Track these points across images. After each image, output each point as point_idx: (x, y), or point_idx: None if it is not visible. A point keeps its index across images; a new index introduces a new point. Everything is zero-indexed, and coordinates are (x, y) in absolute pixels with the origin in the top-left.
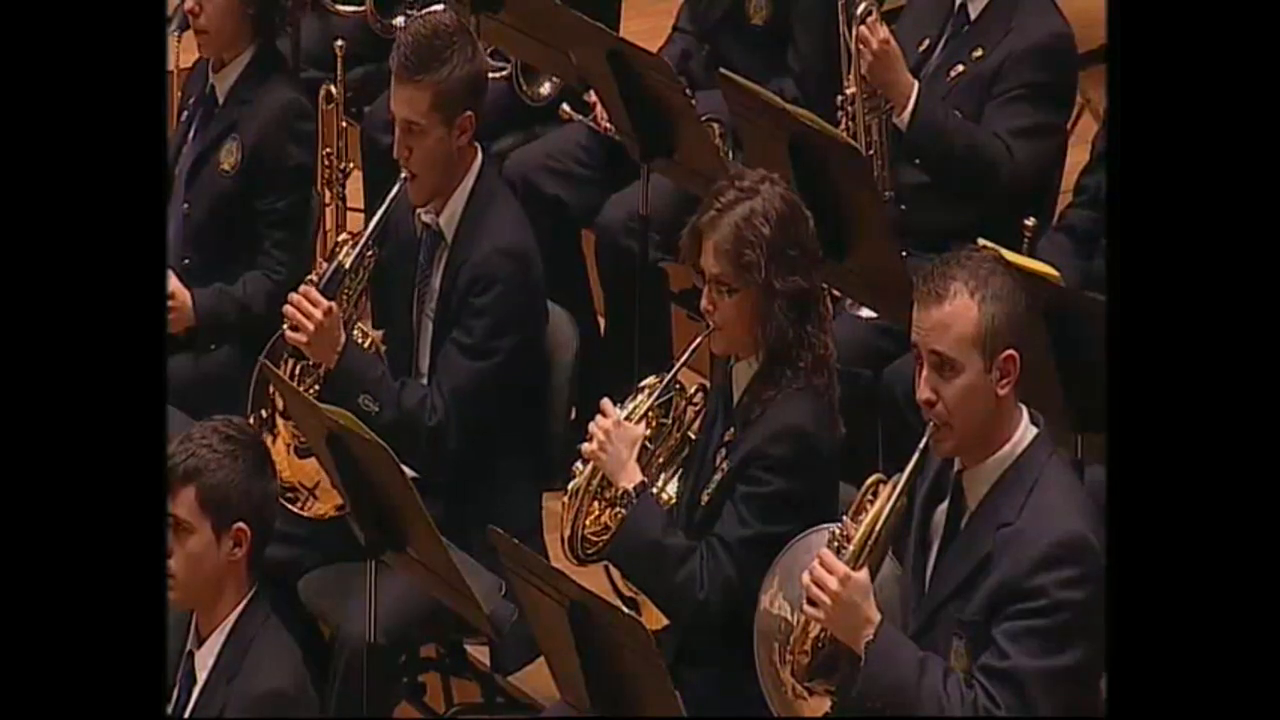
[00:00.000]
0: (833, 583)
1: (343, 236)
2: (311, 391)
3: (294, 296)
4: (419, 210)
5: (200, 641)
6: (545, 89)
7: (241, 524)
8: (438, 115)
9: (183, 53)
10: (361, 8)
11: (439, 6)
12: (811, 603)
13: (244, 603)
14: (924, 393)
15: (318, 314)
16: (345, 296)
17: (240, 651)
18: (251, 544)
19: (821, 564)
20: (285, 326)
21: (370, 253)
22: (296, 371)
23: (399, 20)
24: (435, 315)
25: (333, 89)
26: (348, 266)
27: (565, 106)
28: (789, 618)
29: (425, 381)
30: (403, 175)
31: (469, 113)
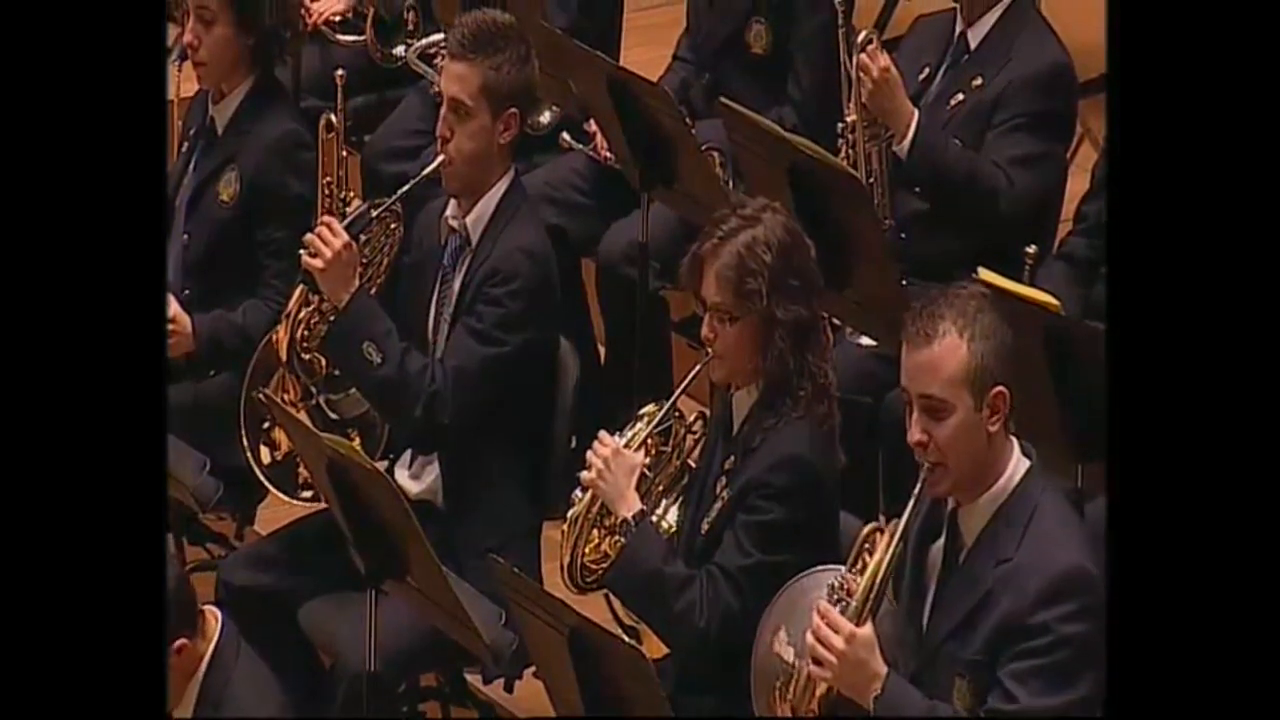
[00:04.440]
0: (838, 642)
1: (369, 202)
2: (318, 330)
3: (318, 226)
4: (446, 215)
5: (177, 700)
6: (546, 118)
7: None
8: (485, 100)
9: (183, 82)
10: (362, 37)
11: (439, 35)
12: (817, 662)
13: (214, 642)
14: (915, 435)
15: (336, 243)
16: (366, 251)
17: (215, 695)
18: None
19: (825, 622)
20: (302, 253)
21: (395, 227)
22: (306, 315)
23: (399, 50)
24: (452, 314)
25: (333, 118)
26: (373, 217)
27: (565, 135)
28: (789, 659)
29: None
30: (439, 158)
31: (515, 111)
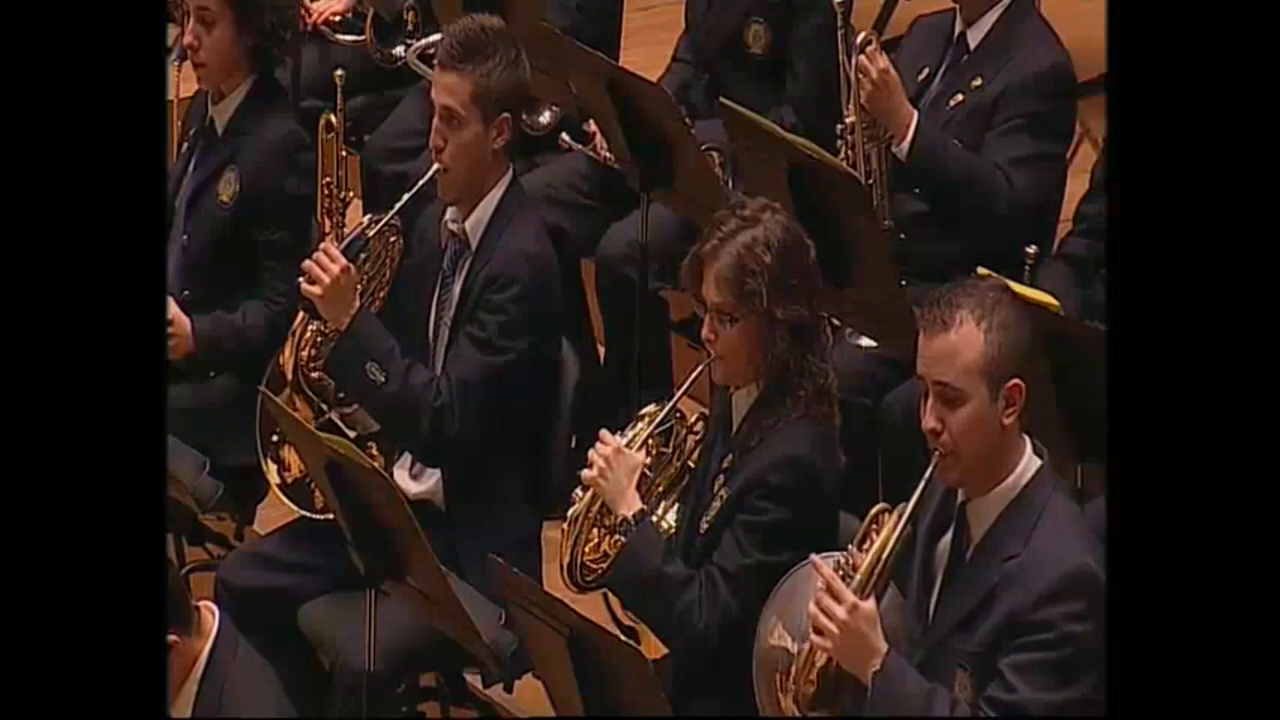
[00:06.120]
0: (840, 612)
1: (368, 217)
2: (324, 350)
3: (315, 252)
4: (445, 220)
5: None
6: (545, 118)
7: None
8: (477, 108)
9: (183, 83)
10: (361, 38)
11: (439, 36)
12: (818, 631)
13: (210, 639)
14: (929, 422)
15: (334, 268)
16: (366, 268)
17: (214, 693)
18: None
19: (829, 592)
20: (301, 280)
21: (395, 240)
22: (311, 335)
23: (399, 50)
24: (453, 319)
25: (332, 118)
26: (370, 235)
27: (565, 136)
28: (790, 648)
29: None
30: (434, 167)
31: (507, 115)
